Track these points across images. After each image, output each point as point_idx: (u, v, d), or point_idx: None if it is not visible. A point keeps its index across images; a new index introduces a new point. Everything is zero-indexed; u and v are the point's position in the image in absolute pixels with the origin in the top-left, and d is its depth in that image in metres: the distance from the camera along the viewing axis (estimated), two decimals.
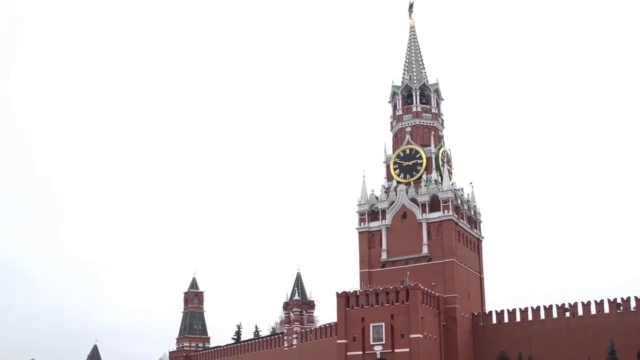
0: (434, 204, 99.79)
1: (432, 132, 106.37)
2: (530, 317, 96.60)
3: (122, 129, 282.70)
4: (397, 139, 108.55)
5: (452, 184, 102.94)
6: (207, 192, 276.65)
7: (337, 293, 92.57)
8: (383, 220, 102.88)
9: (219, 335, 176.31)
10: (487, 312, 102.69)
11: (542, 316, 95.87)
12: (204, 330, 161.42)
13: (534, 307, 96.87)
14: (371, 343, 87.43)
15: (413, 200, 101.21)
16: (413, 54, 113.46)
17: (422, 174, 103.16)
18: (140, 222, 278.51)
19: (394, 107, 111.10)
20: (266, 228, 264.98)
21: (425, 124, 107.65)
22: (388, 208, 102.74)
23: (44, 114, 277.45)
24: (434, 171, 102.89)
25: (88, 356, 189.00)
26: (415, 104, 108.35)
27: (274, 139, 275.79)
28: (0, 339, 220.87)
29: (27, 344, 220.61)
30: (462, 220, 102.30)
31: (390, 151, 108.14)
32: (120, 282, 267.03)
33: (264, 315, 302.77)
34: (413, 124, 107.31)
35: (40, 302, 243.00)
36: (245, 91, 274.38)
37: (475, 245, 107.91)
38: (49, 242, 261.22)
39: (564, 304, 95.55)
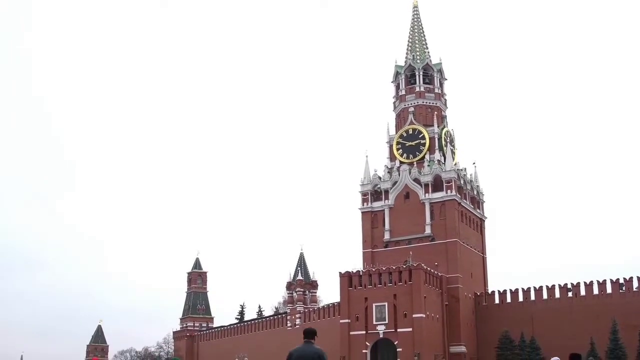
0: (437, 184, 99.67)
1: (435, 112, 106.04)
2: (532, 297, 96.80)
3: (130, 109, 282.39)
4: (400, 119, 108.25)
5: (455, 164, 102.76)
6: (210, 172, 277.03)
7: (340, 273, 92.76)
8: (386, 201, 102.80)
9: (223, 315, 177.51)
10: (489, 292, 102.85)
11: (545, 296, 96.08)
12: (207, 310, 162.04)
13: (537, 287, 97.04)
14: (374, 323, 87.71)
15: (416, 180, 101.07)
16: (416, 34, 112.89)
17: (425, 154, 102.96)
18: (144, 203, 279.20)
19: (397, 87, 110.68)
20: (269, 208, 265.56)
21: (428, 104, 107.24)
22: (391, 188, 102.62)
23: (55, 93, 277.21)
24: (437, 151, 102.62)
25: (92, 336, 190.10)
26: (418, 83, 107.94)
27: (278, 119, 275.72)
28: (3, 320, 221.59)
29: (30, 325, 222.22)
30: (465, 200, 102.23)
31: (393, 131, 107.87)
32: (124, 262, 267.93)
33: (267, 295, 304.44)
34: (416, 104, 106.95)
35: (44, 283, 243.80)
36: (249, 72, 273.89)
37: (478, 225, 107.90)
38: (52, 222, 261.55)
39: (566, 284, 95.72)
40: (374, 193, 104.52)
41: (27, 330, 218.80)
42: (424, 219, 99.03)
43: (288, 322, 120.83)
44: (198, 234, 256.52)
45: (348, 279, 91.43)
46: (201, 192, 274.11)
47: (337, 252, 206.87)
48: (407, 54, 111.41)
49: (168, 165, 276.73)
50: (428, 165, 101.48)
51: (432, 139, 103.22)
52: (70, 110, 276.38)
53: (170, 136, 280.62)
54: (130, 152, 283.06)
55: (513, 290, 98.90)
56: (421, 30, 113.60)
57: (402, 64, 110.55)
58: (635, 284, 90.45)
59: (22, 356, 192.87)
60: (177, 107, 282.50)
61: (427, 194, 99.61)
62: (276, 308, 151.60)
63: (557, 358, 18.69)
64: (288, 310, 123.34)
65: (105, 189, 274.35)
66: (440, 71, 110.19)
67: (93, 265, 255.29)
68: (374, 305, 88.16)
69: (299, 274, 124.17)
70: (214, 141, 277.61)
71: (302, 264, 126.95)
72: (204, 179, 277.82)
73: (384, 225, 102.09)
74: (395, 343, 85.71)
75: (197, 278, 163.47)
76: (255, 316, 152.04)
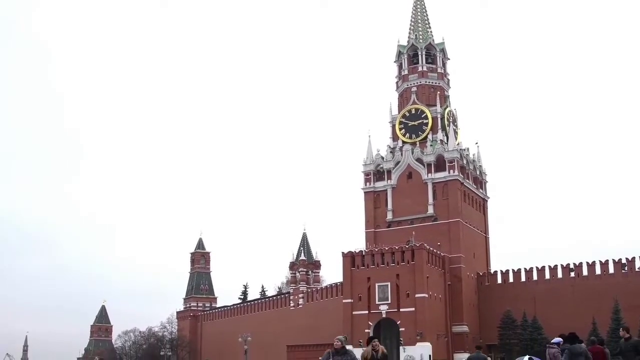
0: (440, 164, 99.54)
1: (438, 92, 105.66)
2: (535, 277, 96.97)
3: (135, 96, 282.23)
4: (403, 99, 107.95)
5: (458, 143, 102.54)
6: (213, 154, 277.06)
7: (342, 253, 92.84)
8: (388, 180, 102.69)
9: (226, 295, 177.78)
10: (492, 271, 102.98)
11: (547, 276, 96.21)
12: (210, 290, 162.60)
13: (539, 267, 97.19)
14: (377, 302, 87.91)
15: (419, 160, 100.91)
16: (419, 13, 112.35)
17: (428, 133, 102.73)
18: (149, 185, 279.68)
19: (400, 67, 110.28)
20: (272, 188, 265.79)
21: (431, 83, 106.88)
22: (393, 168, 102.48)
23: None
24: (439, 131, 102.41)
25: (96, 316, 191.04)
26: (421, 63, 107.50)
27: (281, 100, 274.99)
28: (8, 300, 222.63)
29: (35, 306, 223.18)
30: (467, 180, 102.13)
31: (395, 111, 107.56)
32: (128, 243, 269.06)
33: (270, 275, 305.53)
34: (419, 83, 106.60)
35: (49, 264, 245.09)
36: (252, 53, 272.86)
37: (481, 205, 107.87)
38: (59, 203, 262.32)
39: (568, 264, 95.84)
40: (376, 173, 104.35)
41: (32, 310, 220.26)
42: (426, 198, 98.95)
43: (291, 302, 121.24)
44: (201, 215, 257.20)
45: (351, 259, 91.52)
46: (204, 173, 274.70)
47: (340, 232, 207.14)
48: (409, 33, 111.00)
49: (172, 148, 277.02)
50: (431, 145, 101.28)
51: (434, 119, 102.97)
52: (80, 98, 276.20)
53: (174, 120, 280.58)
54: (135, 135, 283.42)
55: (515, 270, 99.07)
56: (424, 10, 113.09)
57: (405, 43, 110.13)
58: (637, 264, 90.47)
59: (26, 336, 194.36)
60: (182, 92, 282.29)
61: (429, 174, 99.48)
62: (279, 288, 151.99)
63: (559, 339, 18.69)
64: (291, 290, 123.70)
65: (111, 171, 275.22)
66: (443, 51, 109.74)
67: (96, 246, 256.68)
68: (376, 285, 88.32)
69: (302, 254, 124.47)
70: (217, 123, 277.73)
71: (305, 244, 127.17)
72: (208, 160, 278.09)
73: (386, 205, 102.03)
74: (397, 323, 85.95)
75: (200, 258, 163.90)
76: (258, 296, 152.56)
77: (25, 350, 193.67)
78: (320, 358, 12.95)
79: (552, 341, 18.93)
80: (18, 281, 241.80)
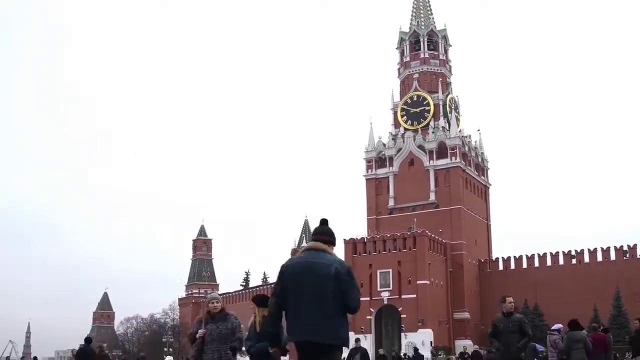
0: (442, 151, 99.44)
1: (440, 79, 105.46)
2: (536, 264, 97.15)
3: (140, 80, 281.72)
4: (405, 86, 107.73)
5: (460, 130, 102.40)
6: (215, 141, 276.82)
7: (344, 240, 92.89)
8: (390, 167, 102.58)
9: (228, 282, 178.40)
10: (493, 258, 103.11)
11: (549, 263, 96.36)
12: (212, 277, 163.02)
13: (541, 254, 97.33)
14: (378, 289, 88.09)
15: (420, 147, 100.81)
16: (421, 0, 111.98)
17: (430, 120, 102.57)
18: (150, 170, 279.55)
19: (402, 54, 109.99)
20: (274, 175, 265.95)
21: (432, 70, 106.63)
22: (395, 155, 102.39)
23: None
24: (441, 118, 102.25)
25: (98, 303, 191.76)
26: (423, 50, 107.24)
27: (283, 87, 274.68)
28: (11, 287, 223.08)
29: (37, 292, 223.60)
30: (469, 167, 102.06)
31: (397, 98, 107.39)
32: (130, 230, 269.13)
33: (272, 262, 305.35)
34: (420, 70, 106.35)
35: (51, 251, 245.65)
36: (254, 41, 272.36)
37: (483, 192, 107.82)
38: (60, 188, 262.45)
39: (570, 251, 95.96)
40: (378, 160, 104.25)
41: (34, 297, 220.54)
42: (428, 185, 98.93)
43: None
44: (203, 202, 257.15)
45: (352, 246, 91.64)
46: (206, 160, 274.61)
47: (342, 219, 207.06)
48: (411, 20, 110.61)
49: (173, 133, 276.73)
50: (432, 132, 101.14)
51: (436, 106, 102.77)
52: (89, 85, 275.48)
53: (178, 106, 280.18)
54: (139, 123, 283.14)
55: (517, 257, 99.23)
56: None
57: (407, 30, 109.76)
58: (639, 250, 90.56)
59: (29, 323, 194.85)
60: (186, 78, 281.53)
61: (431, 161, 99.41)
62: None
63: (559, 325, 18.69)
64: None
65: (114, 157, 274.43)
66: (445, 37, 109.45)
67: (98, 234, 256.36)
68: (378, 271, 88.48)
69: (304, 240, 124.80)
70: (220, 111, 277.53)
71: (306, 230, 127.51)
72: (210, 147, 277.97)
73: (388, 192, 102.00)
74: (399, 309, 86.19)
75: (202, 245, 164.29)
76: (260, 283, 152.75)
77: (27, 337, 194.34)
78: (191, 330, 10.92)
79: (553, 328, 18.91)
80: (21, 268, 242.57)
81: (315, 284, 7.24)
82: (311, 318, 7.24)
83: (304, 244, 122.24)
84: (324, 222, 7.68)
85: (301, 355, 7.46)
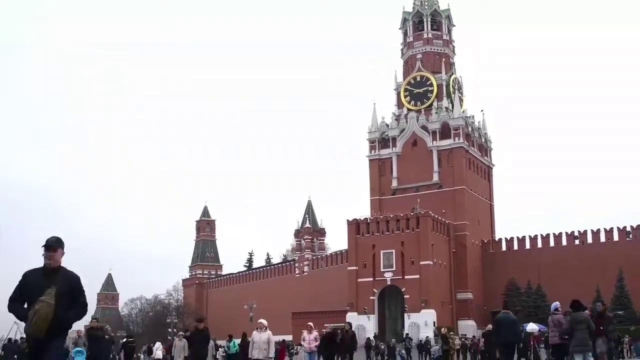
0: (445, 132, 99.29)
1: (443, 59, 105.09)
2: (539, 245, 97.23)
3: (144, 64, 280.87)
4: (408, 66, 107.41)
5: (463, 111, 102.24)
6: (219, 121, 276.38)
7: (347, 220, 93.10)
8: (393, 148, 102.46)
9: (231, 262, 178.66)
10: (496, 239, 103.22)
11: (552, 244, 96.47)
12: (216, 258, 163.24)
13: (544, 235, 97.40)
14: (381, 270, 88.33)
15: (424, 127, 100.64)
16: None
17: (433, 101, 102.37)
18: (154, 151, 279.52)
19: (405, 34, 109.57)
20: (278, 156, 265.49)
21: (436, 50, 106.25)
22: (398, 135, 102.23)
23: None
24: (444, 98, 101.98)
25: (102, 284, 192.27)
26: (426, 30, 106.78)
27: (285, 67, 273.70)
28: (15, 269, 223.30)
29: None
30: (472, 148, 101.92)
31: (400, 78, 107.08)
32: (134, 211, 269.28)
33: (276, 243, 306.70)
34: (424, 50, 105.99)
35: (54, 233, 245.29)
36: (255, 18, 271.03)
37: (486, 172, 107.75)
38: (64, 170, 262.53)
39: (573, 232, 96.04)
40: (381, 140, 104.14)
41: None
42: (431, 166, 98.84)
43: (296, 269, 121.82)
44: (207, 183, 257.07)
45: (356, 227, 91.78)
46: (210, 141, 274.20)
47: (345, 200, 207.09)
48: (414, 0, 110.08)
49: (177, 115, 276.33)
50: (436, 113, 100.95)
51: (439, 86, 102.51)
52: (87, 69, 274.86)
53: (181, 87, 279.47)
54: (142, 104, 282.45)
55: (520, 237, 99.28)
56: None
57: (410, 10, 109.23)
58: None
59: None
60: (189, 59, 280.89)
61: (434, 142, 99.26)
62: (284, 255, 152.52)
63: (557, 303, 18.69)
64: (296, 258, 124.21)
65: (118, 139, 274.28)
66: (449, 17, 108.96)
67: (102, 215, 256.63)
68: (381, 252, 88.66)
69: (307, 221, 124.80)
70: (222, 92, 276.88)
71: (310, 211, 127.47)
72: (213, 127, 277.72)
73: (391, 172, 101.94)
74: (402, 290, 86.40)
75: (205, 226, 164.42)
76: (263, 264, 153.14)
77: None
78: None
79: (552, 307, 18.88)
80: (24, 249, 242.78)
81: None
82: None
83: (307, 225, 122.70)
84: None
85: None
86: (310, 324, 24.68)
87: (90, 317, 27.11)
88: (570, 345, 17.03)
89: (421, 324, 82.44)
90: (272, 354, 19.68)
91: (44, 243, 7.96)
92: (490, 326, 35.61)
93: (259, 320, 20.55)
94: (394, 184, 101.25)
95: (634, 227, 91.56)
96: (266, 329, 19.58)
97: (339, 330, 26.50)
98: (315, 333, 24.07)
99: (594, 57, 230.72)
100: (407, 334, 57.39)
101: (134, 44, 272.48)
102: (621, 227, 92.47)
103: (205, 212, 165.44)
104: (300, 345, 24.56)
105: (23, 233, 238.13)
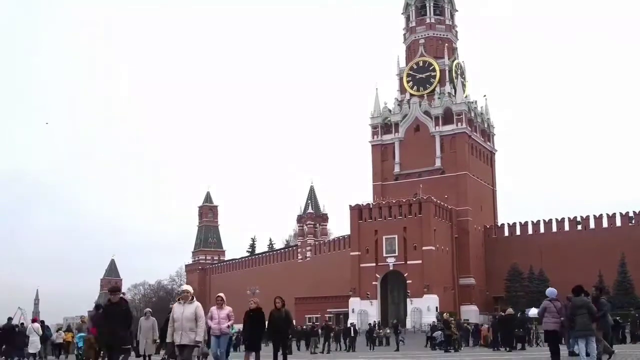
0: (447, 117, 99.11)
1: (446, 44, 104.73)
2: (542, 230, 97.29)
3: (151, 53, 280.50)
4: (411, 51, 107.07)
5: (466, 96, 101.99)
6: (221, 107, 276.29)
7: (350, 206, 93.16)
8: (396, 133, 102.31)
9: (234, 248, 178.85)
10: (499, 224, 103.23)
11: (554, 229, 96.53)
12: (218, 243, 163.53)
13: (546, 220, 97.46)
14: (384, 255, 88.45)
15: (426, 113, 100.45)
16: None
17: (436, 86, 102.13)
18: (157, 137, 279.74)
19: (407, 19, 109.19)
20: (280, 142, 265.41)
21: (438, 35, 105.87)
22: (401, 121, 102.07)
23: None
24: (447, 84, 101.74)
25: (106, 270, 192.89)
26: (429, 15, 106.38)
27: (288, 52, 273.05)
28: (19, 254, 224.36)
29: (45, 260, 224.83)
30: (475, 133, 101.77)
31: (403, 63, 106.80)
32: (137, 197, 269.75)
33: (278, 229, 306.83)
34: (426, 35, 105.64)
35: (59, 219, 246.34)
36: (260, 9, 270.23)
37: (489, 158, 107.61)
38: (67, 154, 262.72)
39: (575, 217, 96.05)
40: (384, 126, 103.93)
41: (43, 264, 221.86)
42: (434, 151, 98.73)
43: (299, 254, 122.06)
44: (209, 168, 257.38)
45: (358, 212, 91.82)
46: (212, 126, 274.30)
47: (348, 185, 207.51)
48: None
49: (180, 102, 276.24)
50: (438, 98, 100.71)
51: (442, 72, 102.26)
52: (105, 60, 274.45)
53: (185, 75, 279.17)
54: (146, 91, 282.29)
55: (522, 223, 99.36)
56: None
57: None
58: None
59: (37, 290, 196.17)
60: (194, 50, 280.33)
61: (437, 127, 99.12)
62: (287, 241, 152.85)
63: (552, 289, 18.71)
64: (298, 243, 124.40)
65: (120, 124, 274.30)
66: (451, 2, 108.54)
67: (105, 202, 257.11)
68: (384, 237, 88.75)
69: (310, 207, 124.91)
70: (226, 78, 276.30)
71: (312, 197, 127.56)
72: (215, 113, 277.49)
73: (394, 158, 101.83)
74: (405, 275, 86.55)
75: (208, 212, 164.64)
76: (266, 249, 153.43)
77: (36, 304, 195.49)
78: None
79: (547, 292, 18.89)
80: (29, 236, 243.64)
81: None
82: None
83: (310, 210, 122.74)
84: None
85: None
86: (221, 295, 17.09)
87: (94, 303, 27.13)
88: (571, 330, 17.06)
89: (424, 309, 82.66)
90: (201, 336, 13.89)
91: None
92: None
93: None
94: (397, 169, 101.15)
95: (637, 212, 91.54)
96: (193, 299, 14.20)
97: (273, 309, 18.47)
98: (228, 309, 16.74)
99: (600, 39, 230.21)
100: (395, 322, 57.60)
101: (136, 25, 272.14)
102: (623, 213, 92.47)
103: (208, 198, 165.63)
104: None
105: (27, 219, 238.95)
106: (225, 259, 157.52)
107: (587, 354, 16.18)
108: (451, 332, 38.88)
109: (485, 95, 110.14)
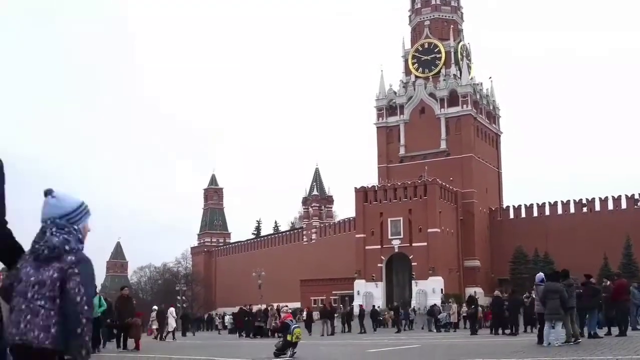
0: (453, 99, 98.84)
1: (451, 26, 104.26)
2: (547, 213, 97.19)
3: (156, 29, 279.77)
4: (416, 33, 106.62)
5: (471, 78, 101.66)
6: (226, 88, 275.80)
7: (355, 188, 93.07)
8: (401, 115, 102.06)
9: (239, 230, 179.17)
10: (504, 207, 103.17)
11: (560, 211, 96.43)
12: (224, 226, 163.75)
13: (552, 203, 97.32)
14: (389, 237, 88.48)
15: (431, 95, 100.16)
16: None
17: (441, 68, 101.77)
18: (162, 119, 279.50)
19: (413, 1, 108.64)
20: (285, 124, 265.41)
21: (444, 17, 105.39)
22: (406, 103, 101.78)
23: None
24: (452, 65, 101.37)
25: (112, 252, 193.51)
26: None
27: (293, 35, 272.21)
28: (22, 240, 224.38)
29: None
30: (480, 115, 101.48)
31: (408, 45, 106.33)
32: (141, 179, 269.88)
33: (283, 211, 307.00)
34: (432, 17, 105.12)
35: None
36: None
37: (494, 140, 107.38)
38: (70, 137, 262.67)
39: (581, 199, 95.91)
40: (389, 108, 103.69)
41: None
42: (439, 134, 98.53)
43: (304, 237, 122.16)
44: (214, 151, 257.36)
45: (363, 194, 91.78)
46: (218, 109, 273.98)
47: (353, 168, 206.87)
48: None
49: (186, 81, 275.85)
50: (444, 80, 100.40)
51: (447, 53, 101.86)
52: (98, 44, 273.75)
53: (190, 53, 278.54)
54: (151, 74, 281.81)
55: (528, 205, 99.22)
56: None
57: None
58: None
59: None
60: (203, 31, 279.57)
61: (442, 109, 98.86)
62: (292, 223, 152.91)
63: (541, 274, 19.46)
64: (304, 226, 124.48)
65: (125, 106, 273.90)
66: None
67: (111, 183, 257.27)
68: (389, 220, 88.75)
69: (315, 189, 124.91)
70: (231, 60, 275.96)
71: (317, 179, 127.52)
72: (221, 96, 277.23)
73: (399, 140, 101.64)
74: (410, 257, 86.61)
75: (213, 194, 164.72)
76: (271, 231, 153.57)
77: None
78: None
79: (537, 278, 19.51)
80: (30, 219, 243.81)
81: None
82: None
83: (315, 193, 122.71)
84: None
85: None
86: None
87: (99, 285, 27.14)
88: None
89: (429, 291, 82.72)
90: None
91: None
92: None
93: None
94: (402, 151, 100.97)
95: None
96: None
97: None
98: None
99: (606, 22, 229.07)
100: (396, 304, 57.71)
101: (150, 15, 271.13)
102: (629, 195, 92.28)
103: (213, 180, 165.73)
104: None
105: (31, 203, 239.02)
106: (231, 241, 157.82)
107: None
108: (475, 310, 38.32)
109: (490, 77, 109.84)
